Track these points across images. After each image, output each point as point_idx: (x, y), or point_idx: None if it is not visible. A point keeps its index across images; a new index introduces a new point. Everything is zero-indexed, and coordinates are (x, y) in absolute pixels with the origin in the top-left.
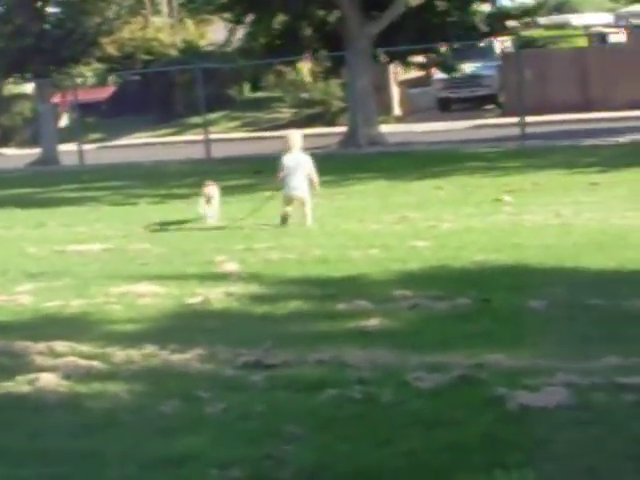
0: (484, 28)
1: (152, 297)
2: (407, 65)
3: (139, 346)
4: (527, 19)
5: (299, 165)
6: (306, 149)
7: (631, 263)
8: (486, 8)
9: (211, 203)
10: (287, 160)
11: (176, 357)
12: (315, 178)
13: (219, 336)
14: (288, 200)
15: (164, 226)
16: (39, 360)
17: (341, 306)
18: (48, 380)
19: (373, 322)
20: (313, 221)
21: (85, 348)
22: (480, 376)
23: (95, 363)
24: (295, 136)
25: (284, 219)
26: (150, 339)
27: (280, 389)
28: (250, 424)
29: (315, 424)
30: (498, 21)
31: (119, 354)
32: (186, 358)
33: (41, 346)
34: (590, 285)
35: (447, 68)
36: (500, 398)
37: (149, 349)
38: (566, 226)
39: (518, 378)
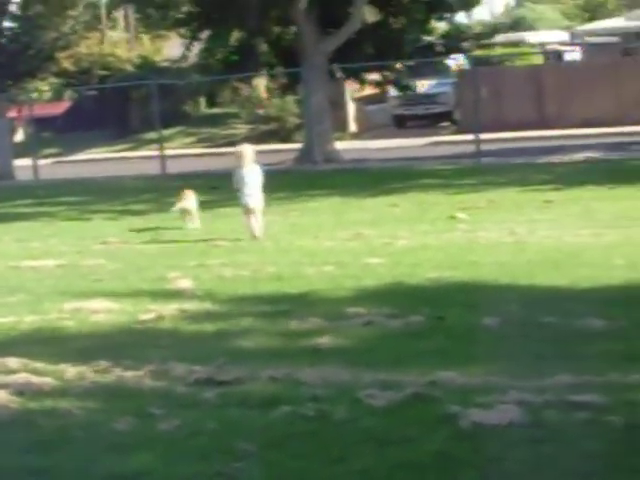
0: (440, 47)
1: (105, 313)
2: (362, 82)
3: (92, 362)
4: (482, 41)
5: (253, 177)
6: (262, 165)
7: (584, 281)
8: (442, 26)
9: (191, 214)
10: (243, 172)
11: (129, 374)
12: None
13: (172, 353)
14: (248, 210)
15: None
16: None
17: (295, 323)
18: (0, 397)
19: (326, 339)
20: (266, 238)
21: (38, 364)
22: (433, 394)
23: (48, 379)
24: (248, 150)
25: (253, 234)
26: (103, 355)
27: (233, 406)
28: (202, 441)
29: (267, 441)
30: (454, 41)
31: (72, 370)
32: (139, 375)
33: None
34: (544, 303)
35: (401, 86)
36: (453, 416)
37: (102, 365)
38: (520, 244)
39: (471, 396)
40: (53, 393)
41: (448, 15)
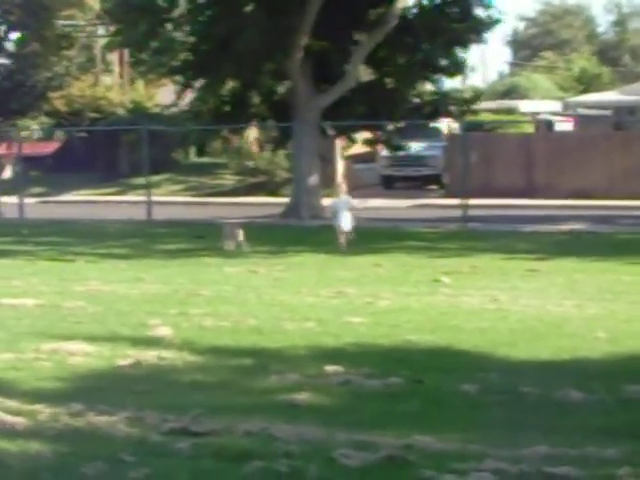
0: (430, 109)
1: (83, 356)
2: (353, 140)
3: (66, 405)
4: (465, 107)
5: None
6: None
7: (565, 352)
8: (431, 88)
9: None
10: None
11: (103, 418)
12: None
13: (147, 400)
14: (340, 231)
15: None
16: None
17: (272, 378)
18: None
19: (304, 396)
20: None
21: (12, 403)
22: (408, 457)
23: (21, 419)
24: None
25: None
26: (78, 399)
27: (206, 457)
28: None
29: None
30: (442, 104)
31: (46, 412)
32: (113, 420)
33: None
34: (523, 372)
35: (392, 146)
36: None
37: (76, 408)
38: (502, 311)
39: (447, 461)
40: (25, 433)
41: (440, 77)
